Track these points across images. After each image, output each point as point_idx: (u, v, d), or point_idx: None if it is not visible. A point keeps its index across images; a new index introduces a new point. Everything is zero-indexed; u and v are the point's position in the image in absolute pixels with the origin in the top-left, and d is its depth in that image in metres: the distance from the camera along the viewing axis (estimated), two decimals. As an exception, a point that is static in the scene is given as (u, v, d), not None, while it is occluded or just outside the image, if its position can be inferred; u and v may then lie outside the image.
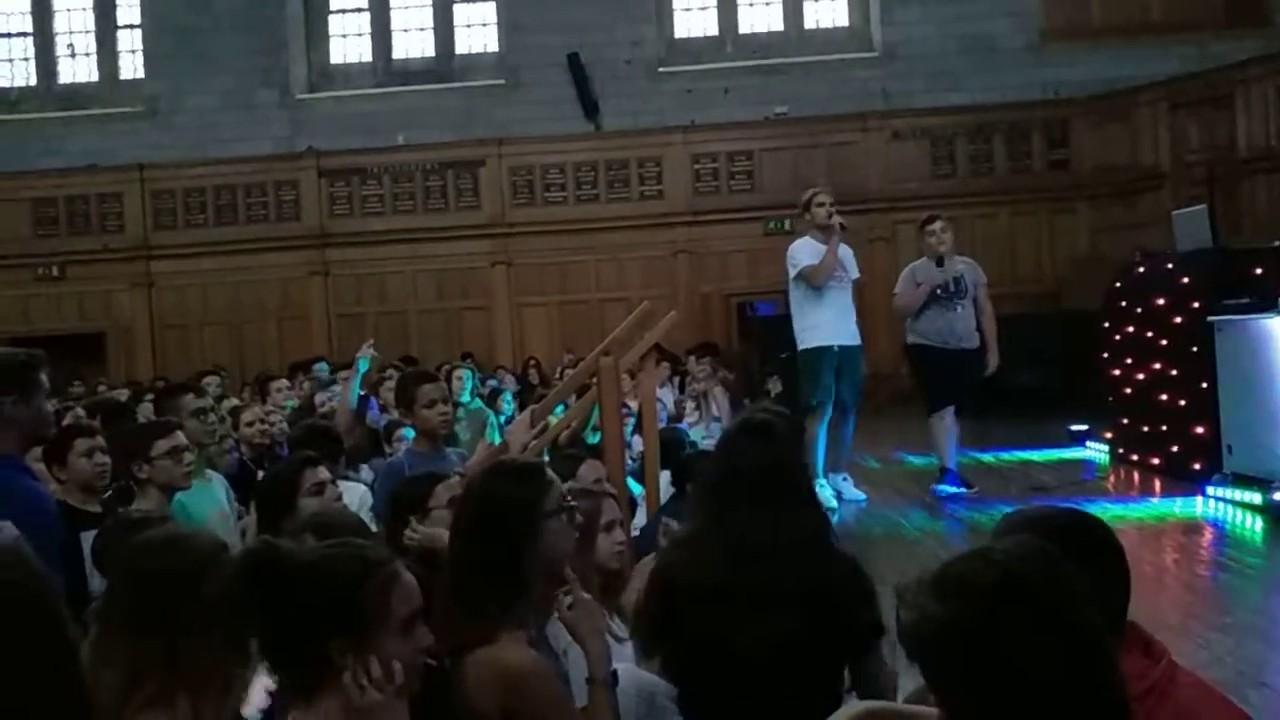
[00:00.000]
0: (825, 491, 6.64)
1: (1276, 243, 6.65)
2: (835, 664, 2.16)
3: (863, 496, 6.79)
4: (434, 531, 2.59)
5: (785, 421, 2.36)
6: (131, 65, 15.05)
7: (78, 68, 15.25)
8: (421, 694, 1.69)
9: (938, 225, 6.82)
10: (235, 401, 6.59)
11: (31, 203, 13.99)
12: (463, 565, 2.15)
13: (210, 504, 3.55)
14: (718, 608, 2.11)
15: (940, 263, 6.72)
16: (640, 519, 4.19)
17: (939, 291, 6.68)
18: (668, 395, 8.16)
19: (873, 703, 1.78)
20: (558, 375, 9.94)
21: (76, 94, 15.06)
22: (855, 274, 6.88)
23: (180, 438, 3.32)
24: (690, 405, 8.07)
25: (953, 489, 6.71)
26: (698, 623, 2.12)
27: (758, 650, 2.06)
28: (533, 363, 12.08)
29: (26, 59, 15.24)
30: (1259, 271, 6.40)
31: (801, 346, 6.78)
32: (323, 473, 2.89)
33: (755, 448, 2.25)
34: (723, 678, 2.10)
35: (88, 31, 15.20)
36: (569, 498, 2.22)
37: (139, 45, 14.90)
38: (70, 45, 15.25)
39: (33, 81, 15.19)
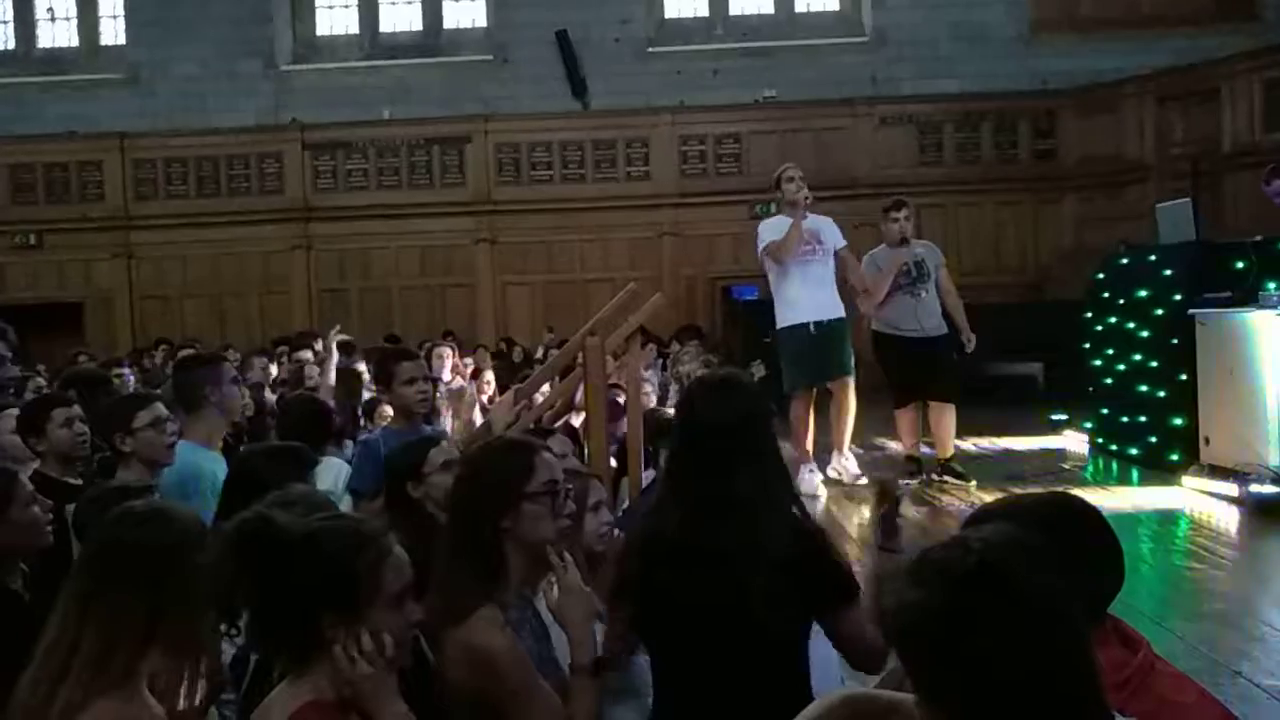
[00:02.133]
0: (815, 479, 6.51)
1: (1258, 237, 6.70)
2: (793, 625, 2.15)
3: (865, 477, 6.59)
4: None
5: (748, 376, 2.33)
6: (113, 31, 14.82)
7: (58, 32, 15.01)
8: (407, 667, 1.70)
9: (904, 213, 6.72)
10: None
11: (9, 169, 13.80)
12: (447, 539, 2.14)
13: (208, 473, 3.52)
14: (676, 566, 2.11)
15: (903, 243, 6.67)
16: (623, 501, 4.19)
17: (903, 276, 6.64)
18: (653, 378, 8.16)
19: (851, 689, 1.79)
20: (539, 355, 9.92)
21: (56, 59, 14.83)
22: (839, 243, 6.62)
23: (160, 409, 3.28)
24: (674, 389, 8.06)
25: (916, 481, 6.66)
26: (659, 581, 2.12)
27: (713, 607, 2.06)
28: (502, 344, 12.03)
29: (5, 21, 14.99)
30: (1240, 265, 6.44)
31: (780, 325, 6.62)
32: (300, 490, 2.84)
33: (715, 404, 2.18)
34: (683, 635, 2.11)
35: (68, -5, 14.97)
36: (559, 482, 2.17)
37: (120, 11, 14.67)
38: (50, 9, 15.00)
39: (11, 45, 14.94)
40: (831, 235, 6.64)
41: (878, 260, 6.79)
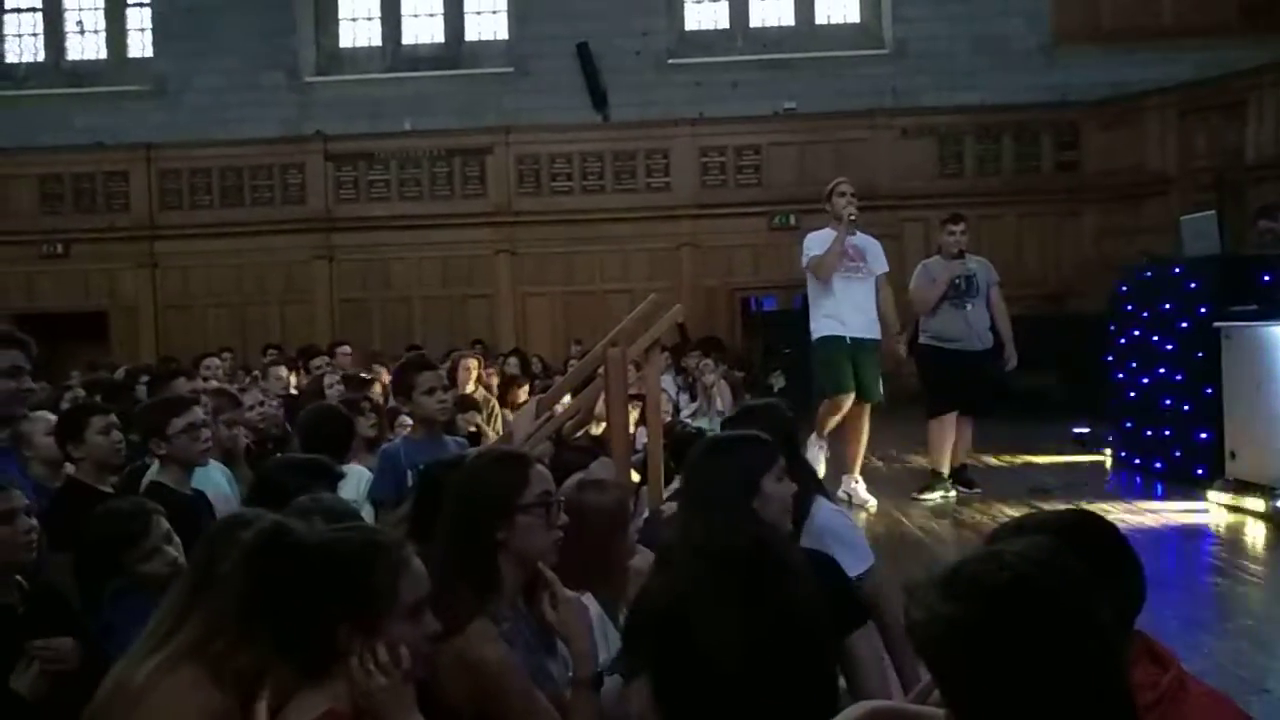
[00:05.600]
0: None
1: (1285, 250, 6.66)
2: (804, 665, 2.12)
3: (873, 501, 6.63)
4: None
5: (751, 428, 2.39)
6: (140, 44, 15.01)
7: (86, 45, 15.21)
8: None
9: (960, 226, 6.78)
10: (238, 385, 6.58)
11: (38, 179, 13.96)
12: (442, 551, 2.14)
13: (208, 487, 3.55)
14: (675, 615, 2.09)
15: (959, 256, 6.72)
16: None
17: (952, 289, 6.67)
18: (669, 383, 8.16)
19: (878, 703, 1.77)
20: (564, 366, 9.93)
21: (85, 71, 15.02)
22: (881, 268, 6.61)
23: (197, 414, 3.32)
24: (688, 397, 8.08)
25: (937, 496, 6.64)
26: (661, 634, 2.10)
27: (718, 656, 2.03)
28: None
29: (35, 35, 15.20)
30: (1266, 278, 6.39)
31: (815, 335, 6.57)
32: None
33: (702, 464, 2.31)
34: (694, 688, 2.08)
35: (97, 8, 15.15)
36: (552, 494, 2.17)
37: (148, 24, 14.86)
38: (79, 22, 15.20)
39: (41, 57, 15.14)
40: (876, 258, 6.64)
41: (931, 270, 6.84)
